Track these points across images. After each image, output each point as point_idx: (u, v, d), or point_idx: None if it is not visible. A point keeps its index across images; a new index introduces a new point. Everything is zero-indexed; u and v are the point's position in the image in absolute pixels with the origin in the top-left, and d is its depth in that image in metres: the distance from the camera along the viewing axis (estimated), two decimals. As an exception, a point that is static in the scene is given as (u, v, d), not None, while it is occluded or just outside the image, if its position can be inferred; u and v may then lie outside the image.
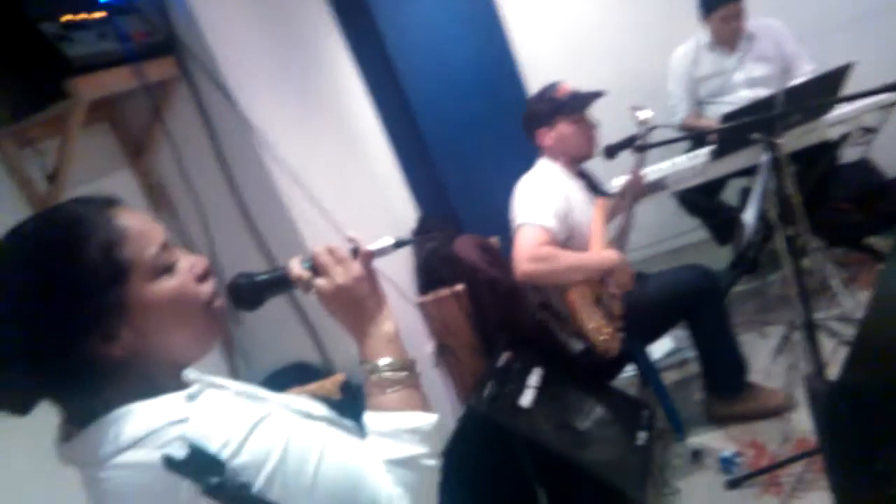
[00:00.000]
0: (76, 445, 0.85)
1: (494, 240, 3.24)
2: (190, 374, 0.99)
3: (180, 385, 0.91)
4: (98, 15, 1.84)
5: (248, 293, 1.00)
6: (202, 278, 0.93)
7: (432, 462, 0.95)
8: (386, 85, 3.59)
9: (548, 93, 2.52)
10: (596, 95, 2.49)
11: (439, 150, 3.72)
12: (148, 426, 0.81)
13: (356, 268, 0.99)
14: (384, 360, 0.98)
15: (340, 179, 2.73)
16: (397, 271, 2.76)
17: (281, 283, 1.01)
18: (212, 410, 0.85)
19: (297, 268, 1.00)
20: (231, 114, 2.13)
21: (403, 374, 0.98)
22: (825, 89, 2.61)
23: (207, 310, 0.93)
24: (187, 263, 0.92)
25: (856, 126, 2.84)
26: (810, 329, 2.03)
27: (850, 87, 2.63)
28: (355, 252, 1.02)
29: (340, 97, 3.13)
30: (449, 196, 3.73)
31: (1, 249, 0.85)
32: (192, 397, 0.86)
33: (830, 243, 3.36)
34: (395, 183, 3.46)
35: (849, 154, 3.31)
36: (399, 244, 1.05)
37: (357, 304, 1.00)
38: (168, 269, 0.89)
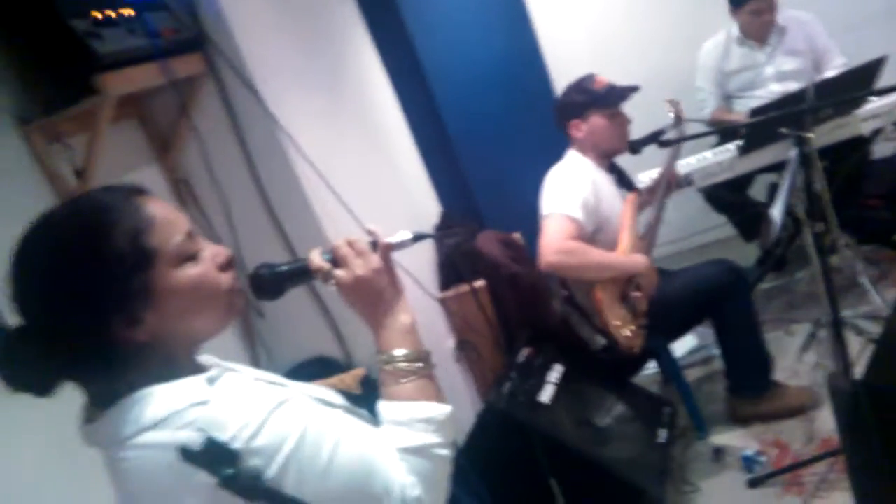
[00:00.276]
0: (99, 427, 0.88)
1: (517, 235, 3.24)
2: (209, 359, 1.02)
3: (198, 368, 0.94)
4: (127, 12, 1.87)
5: (270, 283, 1.03)
6: (224, 267, 0.96)
7: (445, 452, 0.97)
8: (411, 80, 3.59)
9: (584, 84, 2.50)
10: (632, 90, 2.47)
11: (463, 146, 3.71)
12: (169, 408, 0.83)
13: (375, 260, 1.01)
14: (400, 351, 1.00)
15: (364, 174, 2.74)
16: (419, 266, 2.77)
17: (301, 273, 1.04)
18: (231, 393, 0.87)
19: (317, 259, 1.02)
20: (257, 110, 2.15)
21: (418, 364, 1.00)
22: (858, 83, 2.56)
23: (228, 298, 0.95)
24: (210, 252, 0.95)
25: (889, 121, 2.78)
26: (837, 327, 2.00)
27: (883, 81, 2.58)
28: (375, 245, 1.04)
29: (365, 92, 3.14)
30: (472, 191, 3.72)
31: (30, 234, 0.88)
32: (212, 380, 0.89)
33: (860, 240, 3.30)
34: (419, 178, 3.47)
35: (880, 150, 3.25)
36: (417, 238, 1.07)
37: (375, 296, 1.02)
38: (192, 258, 0.92)
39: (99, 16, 1.77)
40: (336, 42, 2.98)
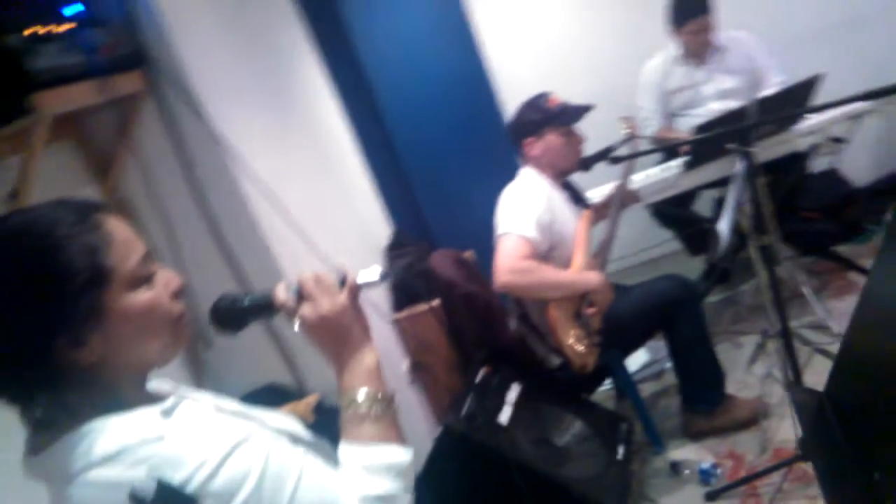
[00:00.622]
0: (45, 459, 0.82)
1: (469, 254, 3.22)
2: (164, 385, 0.98)
3: (148, 397, 0.89)
4: (64, 27, 1.79)
5: (231, 316, 1.00)
6: (176, 295, 0.93)
7: (406, 498, 0.94)
8: (360, 100, 3.56)
9: (538, 102, 2.50)
10: (586, 109, 2.48)
11: (413, 165, 3.70)
12: (120, 443, 0.79)
13: (342, 298, 0.98)
14: (363, 392, 0.96)
15: (313, 195, 2.69)
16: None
17: (265, 307, 1.01)
18: (188, 429, 0.83)
19: (282, 294, 0.99)
20: (200, 128, 2.08)
21: (381, 406, 0.97)
22: (796, 100, 2.65)
23: (176, 326, 0.92)
24: (164, 278, 0.92)
25: (825, 137, 2.88)
26: (787, 338, 2.04)
27: (819, 99, 2.67)
28: (343, 282, 1.00)
29: (314, 112, 3.09)
30: (422, 211, 3.70)
31: None
32: (167, 412, 0.84)
33: (800, 252, 3.41)
34: (369, 198, 3.43)
35: (817, 164, 3.36)
36: (385, 277, 1.04)
37: (340, 335, 0.98)
38: (146, 281, 0.89)
39: (34, 32, 1.68)
40: (284, 62, 2.93)
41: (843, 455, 0.92)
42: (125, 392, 0.87)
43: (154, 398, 0.89)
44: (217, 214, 2.18)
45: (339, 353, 0.99)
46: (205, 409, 0.91)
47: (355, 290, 1.02)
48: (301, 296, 0.98)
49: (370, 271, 1.03)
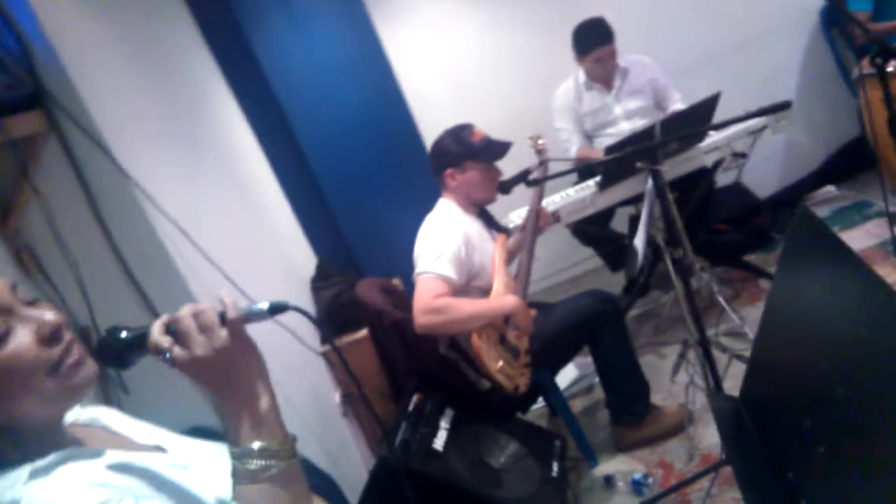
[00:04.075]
0: None
1: (396, 281, 3.21)
2: (83, 432, 0.91)
3: (45, 444, 0.82)
4: (-49, 68, 1.70)
5: (111, 351, 0.88)
6: (49, 341, 0.82)
7: None
8: (276, 132, 3.53)
9: (462, 135, 2.50)
10: (509, 146, 2.51)
11: (334, 195, 3.68)
12: None
13: (221, 337, 0.86)
14: (254, 446, 0.87)
15: (233, 230, 2.63)
16: (299, 322, 2.67)
17: (144, 343, 0.88)
18: (45, 499, 0.75)
19: (157, 331, 0.86)
20: (107, 167, 1.99)
21: (275, 463, 0.87)
22: (699, 118, 2.77)
23: (55, 373, 0.81)
24: (30, 327, 0.81)
25: (728, 152, 3.03)
26: (705, 346, 2.11)
27: (715, 117, 2.81)
28: (223, 317, 0.88)
29: (229, 147, 3.03)
30: (346, 240, 3.68)
31: None
32: (38, 473, 0.77)
33: (713, 263, 3.55)
34: (292, 229, 3.38)
35: (722, 179, 3.53)
36: (275, 309, 0.91)
37: (219, 379, 0.87)
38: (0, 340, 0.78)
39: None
40: (196, 98, 2.87)
41: (759, 457, 0.95)
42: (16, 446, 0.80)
43: (62, 442, 0.83)
44: (128, 254, 2.09)
45: (223, 399, 0.88)
46: (84, 473, 0.81)
47: (238, 326, 0.89)
48: (176, 334, 0.86)
49: (257, 304, 0.91)
